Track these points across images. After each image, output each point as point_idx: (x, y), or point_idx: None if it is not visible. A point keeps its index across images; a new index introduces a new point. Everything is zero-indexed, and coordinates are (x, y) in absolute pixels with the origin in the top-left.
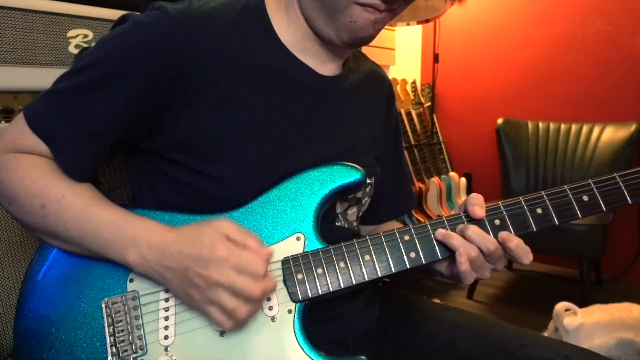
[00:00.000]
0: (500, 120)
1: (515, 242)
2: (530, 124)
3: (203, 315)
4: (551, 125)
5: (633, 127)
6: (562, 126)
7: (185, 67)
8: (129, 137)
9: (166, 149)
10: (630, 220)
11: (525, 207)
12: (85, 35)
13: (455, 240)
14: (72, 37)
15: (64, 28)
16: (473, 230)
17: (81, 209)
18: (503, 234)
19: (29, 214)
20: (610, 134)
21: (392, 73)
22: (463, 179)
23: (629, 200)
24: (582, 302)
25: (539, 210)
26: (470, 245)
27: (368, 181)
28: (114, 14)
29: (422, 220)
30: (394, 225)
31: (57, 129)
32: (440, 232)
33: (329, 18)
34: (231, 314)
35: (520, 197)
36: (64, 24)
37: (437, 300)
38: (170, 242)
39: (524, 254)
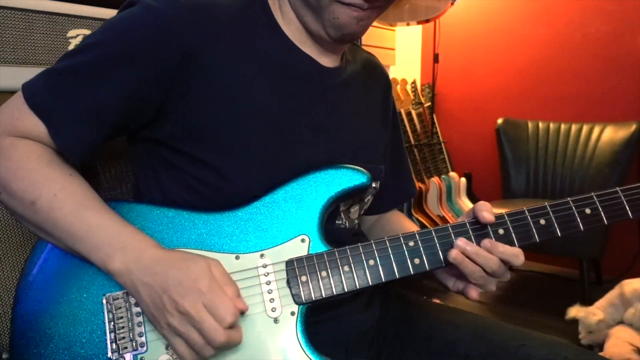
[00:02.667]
0: (500, 120)
1: (500, 250)
2: (530, 124)
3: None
4: (551, 125)
5: (633, 127)
6: (562, 126)
7: (190, 53)
8: (130, 122)
9: (170, 138)
10: (631, 220)
11: (529, 218)
12: (85, 36)
13: (467, 266)
14: (72, 37)
15: (64, 28)
16: (477, 252)
17: (72, 211)
18: (485, 242)
19: (20, 206)
20: (610, 134)
21: (392, 73)
22: (463, 179)
23: (630, 215)
24: (582, 302)
25: (542, 222)
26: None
27: (374, 185)
28: (114, 14)
29: (423, 221)
30: (397, 215)
31: (56, 109)
32: (457, 259)
33: (315, 15)
34: (198, 351)
35: (525, 208)
36: (64, 24)
37: (437, 301)
38: (159, 261)
39: (514, 257)
